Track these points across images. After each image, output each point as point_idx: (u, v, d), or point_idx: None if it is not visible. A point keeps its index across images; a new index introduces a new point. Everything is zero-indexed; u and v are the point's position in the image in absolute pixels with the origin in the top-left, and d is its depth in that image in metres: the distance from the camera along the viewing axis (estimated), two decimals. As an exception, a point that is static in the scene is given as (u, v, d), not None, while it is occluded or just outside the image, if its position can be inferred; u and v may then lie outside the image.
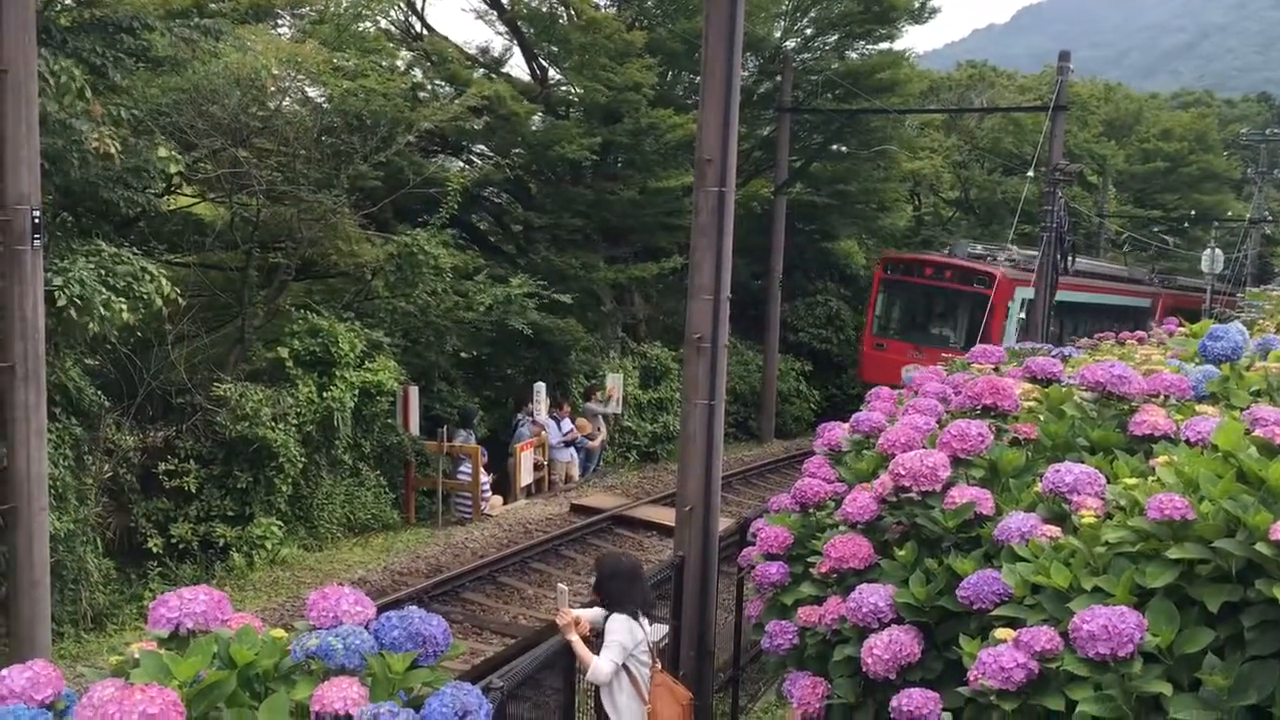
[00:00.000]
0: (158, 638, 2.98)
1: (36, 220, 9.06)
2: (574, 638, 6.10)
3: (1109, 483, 4.02)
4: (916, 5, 30.25)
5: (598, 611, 6.51)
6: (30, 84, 8.97)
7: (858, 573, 4.62)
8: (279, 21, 19.95)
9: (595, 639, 6.40)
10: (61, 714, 2.79)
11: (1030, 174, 24.80)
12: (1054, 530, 3.89)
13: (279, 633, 3.03)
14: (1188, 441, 4.12)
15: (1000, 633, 3.57)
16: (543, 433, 20.24)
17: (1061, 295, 26.70)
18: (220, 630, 2.99)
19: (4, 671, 2.82)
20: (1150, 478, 3.87)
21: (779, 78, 27.94)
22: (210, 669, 2.82)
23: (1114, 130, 48.03)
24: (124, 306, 11.03)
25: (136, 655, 2.87)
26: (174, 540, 14.36)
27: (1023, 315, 26.29)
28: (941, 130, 41.70)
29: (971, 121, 41.33)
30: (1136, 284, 37.76)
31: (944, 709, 3.77)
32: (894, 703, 3.85)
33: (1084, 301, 32.41)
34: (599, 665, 6.07)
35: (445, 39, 24.80)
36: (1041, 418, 5.03)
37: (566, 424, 21.00)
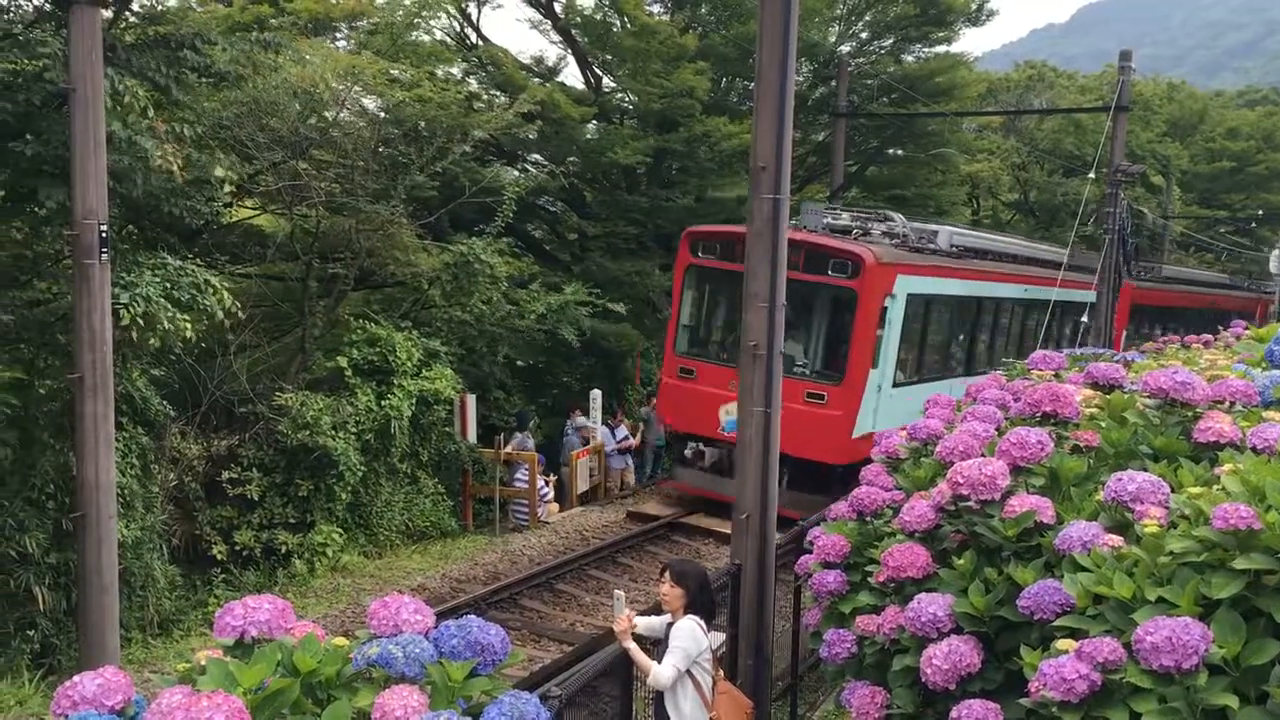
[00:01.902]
0: (223, 645, 3.03)
1: (104, 235, 9.27)
2: (631, 645, 6.11)
3: (1173, 491, 3.96)
4: (973, 7, 29.97)
5: (657, 619, 6.52)
6: (97, 102, 9.19)
7: (916, 582, 4.59)
8: (337, 35, 20.24)
9: (652, 647, 6.41)
10: (131, 720, 2.85)
11: (1091, 175, 22.78)
12: (1116, 540, 3.84)
13: (341, 641, 3.08)
14: (1254, 449, 4.05)
15: (1062, 643, 3.53)
16: (596, 439, 20.30)
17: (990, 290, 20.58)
18: (284, 638, 3.04)
19: (76, 678, 2.89)
20: (1215, 486, 3.80)
21: (834, 83, 27.80)
22: (274, 676, 2.87)
23: (1178, 130, 47.16)
24: (187, 323, 11.24)
25: (203, 663, 2.93)
26: (237, 547, 14.60)
27: (921, 323, 18.37)
28: (1000, 132, 41.21)
29: (1031, 123, 40.81)
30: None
31: (1004, 720, 3.73)
32: (954, 713, 3.82)
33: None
34: (660, 671, 6.08)
35: (500, 48, 25.01)
36: (1103, 425, 4.96)
37: (621, 431, 21.04)
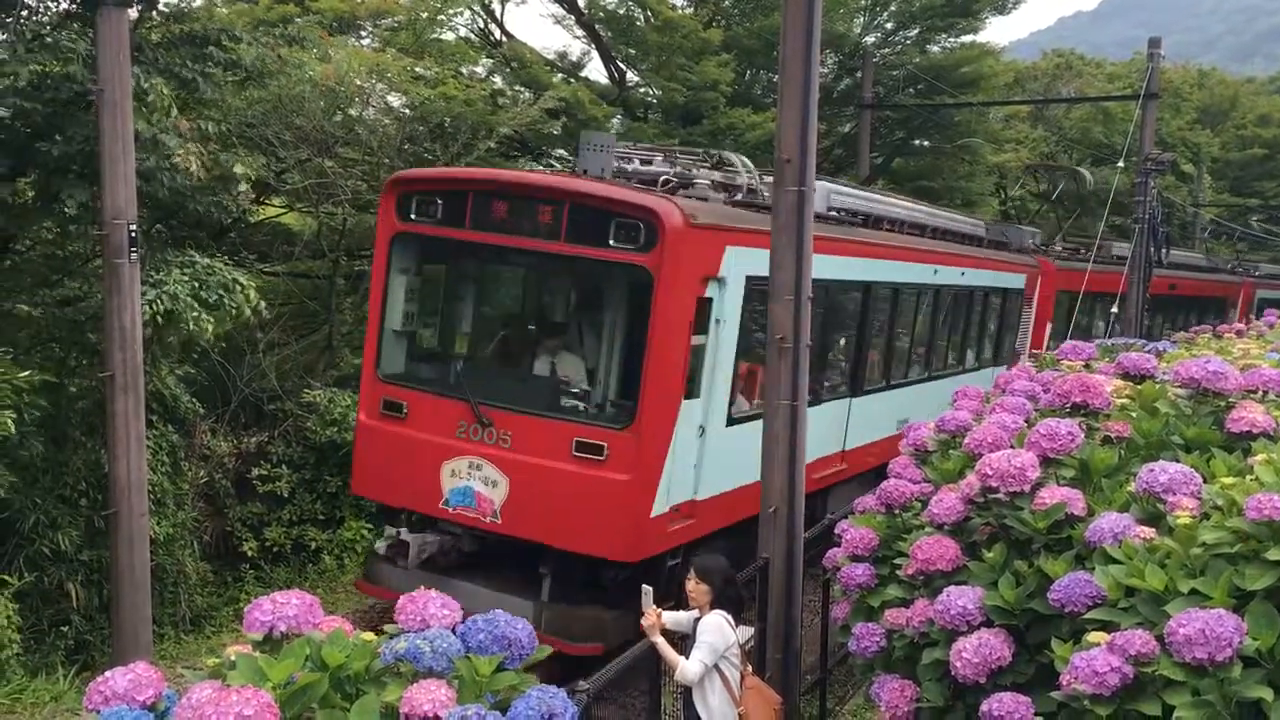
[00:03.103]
0: (253, 640, 3.06)
1: (133, 235, 9.35)
2: (659, 639, 6.11)
3: (1205, 482, 3.92)
4: (1000, -5, 29.72)
5: (685, 614, 6.52)
6: (125, 104, 9.25)
7: (945, 575, 4.57)
8: (362, 33, 20.32)
9: (679, 642, 6.41)
10: (162, 715, 2.87)
11: (1120, 164, 22.19)
12: (1148, 531, 3.81)
13: (369, 636, 3.09)
14: (1288, 439, 4.00)
15: (1093, 636, 3.50)
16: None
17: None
18: (313, 633, 3.06)
19: (108, 674, 2.92)
20: (1249, 476, 3.76)
21: (859, 74, 27.65)
22: (303, 671, 2.89)
23: (1208, 117, 46.60)
24: (210, 322, 11.32)
25: (233, 658, 2.95)
26: (268, 544, 14.69)
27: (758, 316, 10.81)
28: (1028, 121, 40.88)
29: (1059, 112, 40.45)
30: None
31: (1035, 714, 3.70)
32: (984, 707, 3.79)
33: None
34: (687, 666, 6.08)
35: (524, 44, 25.03)
36: (1134, 415, 4.92)
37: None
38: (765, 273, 9.48)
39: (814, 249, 10.67)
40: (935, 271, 15.43)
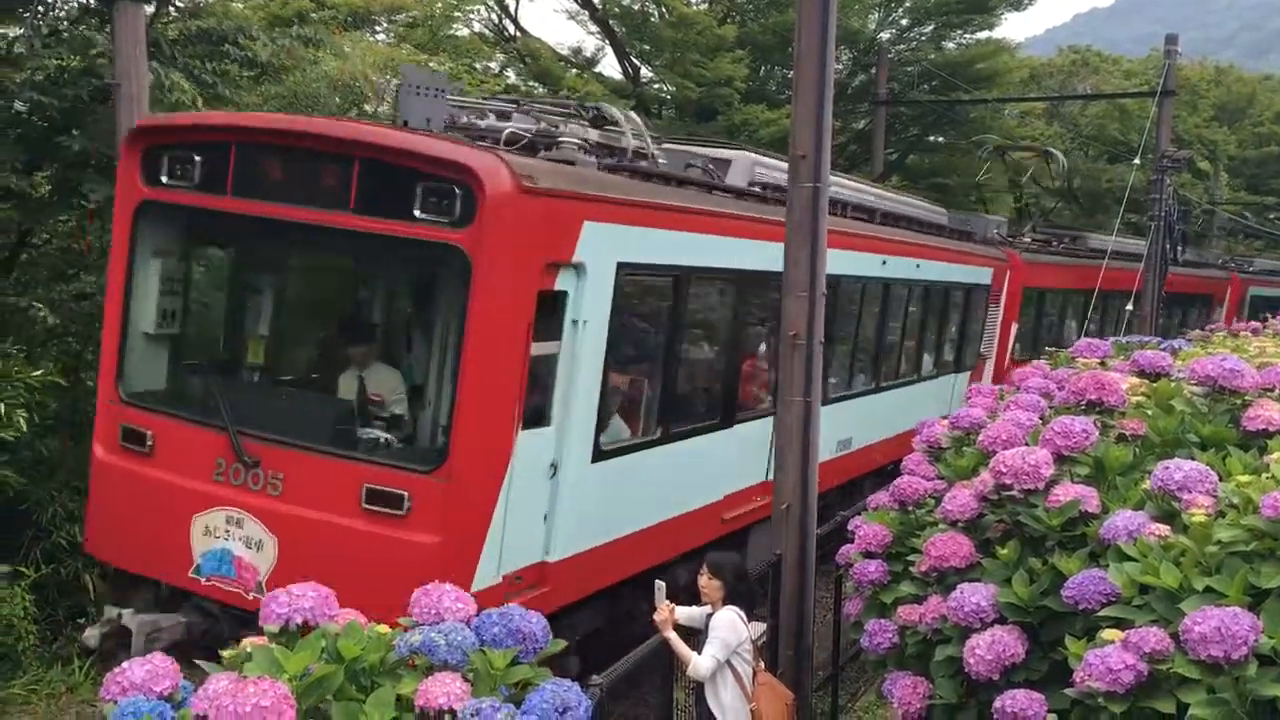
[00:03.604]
0: (269, 632, 3.08)
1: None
2: (672, 635, 6.13)
3: (1221, 480, 3.91)
4: (1016, -9, 29.64)
5: (698, 610, 6.53)
6: (142, 98, 9.31)
7: (959, 571, 4.57)
8: (377, 28, 20.37)
9: (692, 637, 6.42)
10: (179, 705, 2.89)
11: (1137, 162, 20.86)
12: (1163, 529, 3.80)
13: (384, 628, 3.11)
14: (1305, 437, 3.99)
15: (1108, 633, 3.50)
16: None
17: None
18: (328, 625, 3.08)
19: (124, 665, 2.95)
20: (1264, 474, 3.76)
21: (873, 70, 27.61)
22: (318, 663, 2.91)
23: (1225, 114, 46.35)
24: None
25: (249, 649, 2.97)
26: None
27: (668, 324, 9.17)
28: (1043, 118, 40.74)
29: (1075, 109, 40.30)
30: None
31: (1049, 711, 3.70)
32: (998, 704, 3.79)
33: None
34: (699, 661, 6.09)
35: (538, 40, 25.07)
36: (1149, 413, 4.91)
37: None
38: (650, 259, 8.28)
39: (728, 230, 9.23)
40: (884, 263, 12.79)
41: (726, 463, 9.74)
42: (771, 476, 9.80)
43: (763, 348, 11.02)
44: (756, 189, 10.53)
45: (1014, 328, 18.87)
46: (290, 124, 7.85)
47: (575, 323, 7.52)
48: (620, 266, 7.91)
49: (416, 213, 6.84)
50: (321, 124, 7.97)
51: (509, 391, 7.00)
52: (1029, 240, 20.97)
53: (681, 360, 9.34)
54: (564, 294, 7.45)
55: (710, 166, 10.35)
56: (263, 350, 8.37)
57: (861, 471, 13.42)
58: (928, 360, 15.89)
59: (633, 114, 9.94)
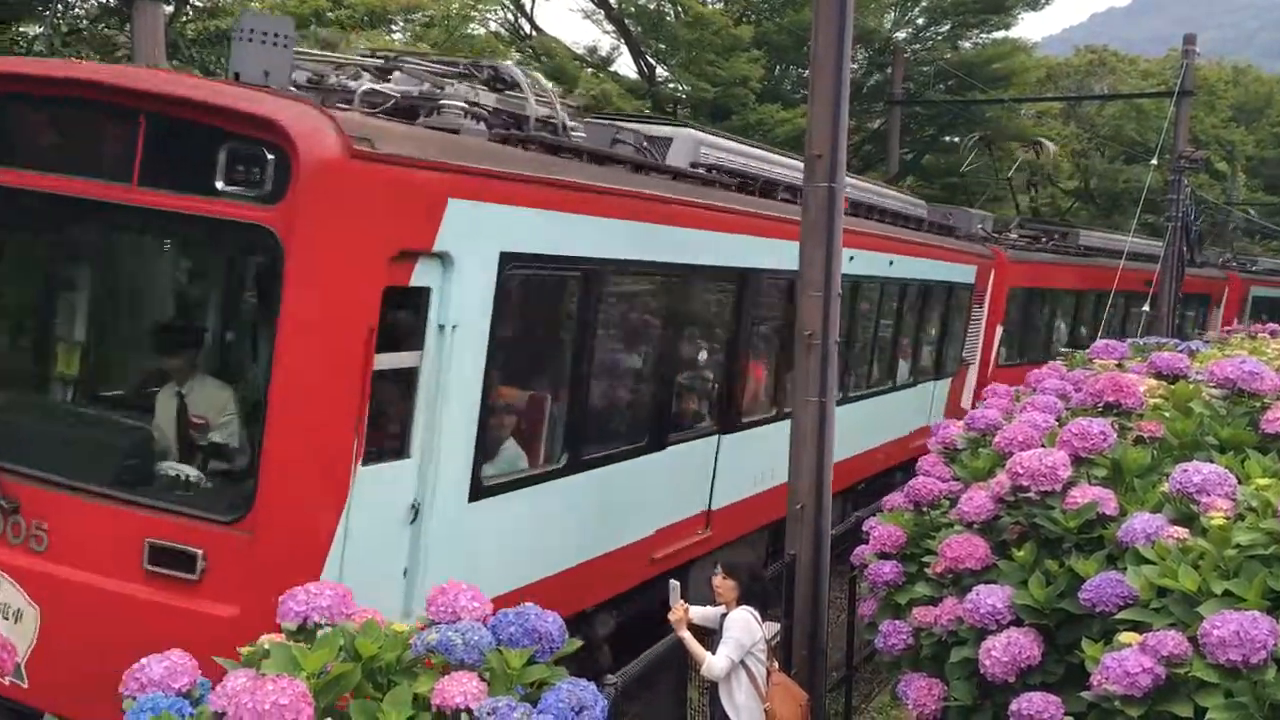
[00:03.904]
0: (286, 630, 3.09)
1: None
2: (686, 634, 6.12)
3: (1240, 483, 3.89)
4: (1032, -9, 29.56)
5: (712, 609, 6.53)
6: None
7: (974, 573, 4.56)
8: (393, 27, 20.43)
9: (705, 637, 6.42)
10: (197, 702, 2.91)
11: (1154, 162, 20.50)
12: (1181, 532, 3.78)
13: (401, 627, 3.12)
14: (1325, 440, 3.97)
15: (1125, 636, 3.49)
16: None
17: None
18: (345, 623, 3.08)
19: (143, 661, 2.96)
20: (1284, 478, 3.74)
21: (889, 70, 27.55)
22: (336, 661, 2.92)
23: (1243, 114, 46.11)
24: None
25: (267, 647, 2.98)
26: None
27: (575, 325, 7.54)
28: (1059, 118, 40.60)
29: (1091, 109, 40.14)
30: None
31: (1065, 714, 3.69)
32: (1014, 706, 3.78)
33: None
34: (714, 661, 6.09)
35: (553, 39, 25.10)
36: (1167, 415, 4.89)
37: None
38: (549, 249, 6.73)
39: (660, 218, 7.70)
40: (851, 258, 9.83)
41: (658, 493, 8.33)
42: (715, 505, 9.21)
43: (703, 355, 9.44)
44: (700, 171, 9.01)
45: (999, 331, 17.54)
46: (59, 70, 6.14)
47: (443, 328, 5.96)
48: (506, 258, 6.35)
49: (219, 184, 5.30)
50: (94, 70, 6.40)
51: (341, 416, 5.41)
52: (1016, 237, 19.66)
53: (596, 373, 7.72)
54: (425, 291, 5.87)
55: (645, 145, 8.75)
56: (33, 361, 6.65)
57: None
58: (903, 367, 14.45)
59: (539, 76, 8.29)
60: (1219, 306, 28.27)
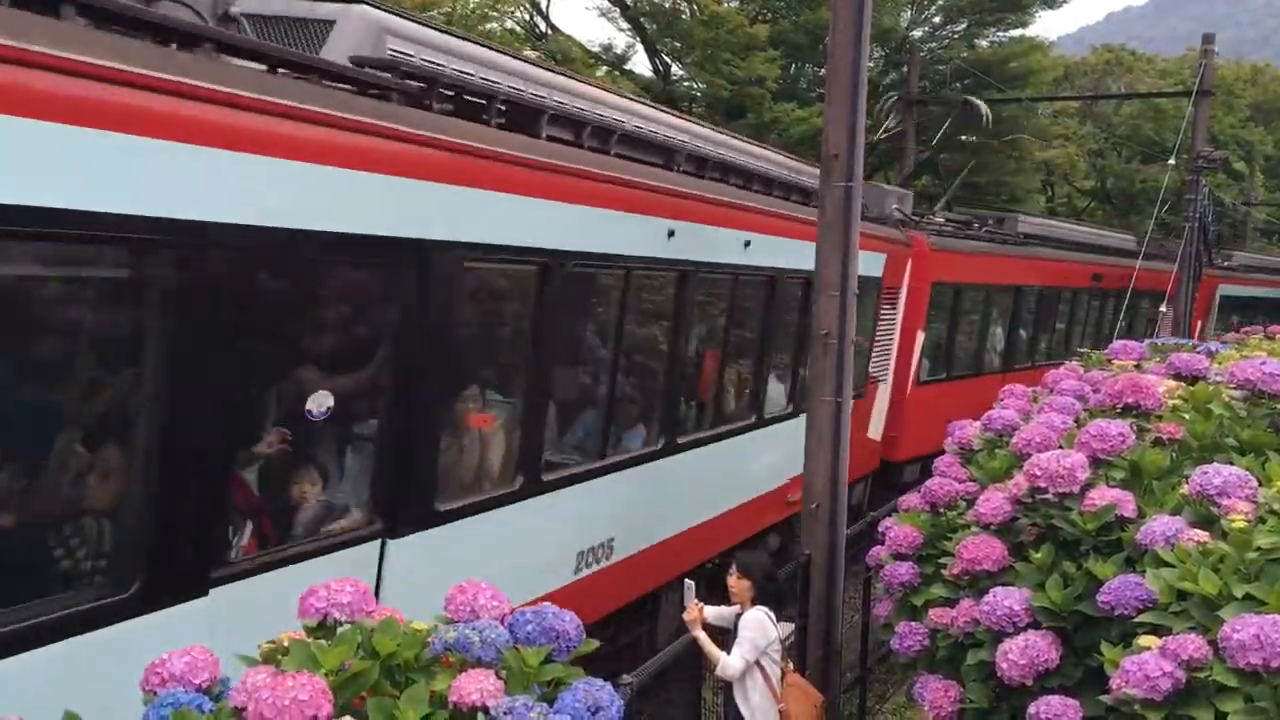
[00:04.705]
0: (306, 626, 3.09)
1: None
2: (700, 634, 6.13)
3: (1261, 485, 3.87)
4: (1050, -10, 29.46)
5: (727, 609, 6.53)
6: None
7: (991, 575, 4.54)
8: (409, 25, 20.49)
9: (720, 637, 6.42)
10: (217, 698, 2.92)
11: (1171, 162, 20.14)
12: (1201, 535, 3.76)
13: (419, 625, 3.12)
14: (1347, 443, 3.94)
15: (1145, 640, 3.47)
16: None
17: None
18: (364, 621, 3.09)
19: (164, 656, 2.97)
20: (1306, 481, 3.71)
21: (904, 68, 27.48)
22: (354, 658, 2.92)
23: (1261, 114, 45.90)
24: None
25: (286, 643, 2.99)
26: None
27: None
28: (1076, 118, 40.47)
29: (1108, 109, 39.99)
30: None
31: (1083, 718, 3.68)
32: (1031, 709, 3.77)
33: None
34: (729, 661, 6.09)
35: (569, 37, 25.11)
36: (1187, 417, 4.86)
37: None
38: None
39: (409, 170, 5.30)
40: (672, 234, 7.93)
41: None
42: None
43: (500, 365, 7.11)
44: (374, 74, 5.71)
45: (920, 338, 14.32)
46: None
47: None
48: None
49: None
50: None
51: None
52: (942, 221, 16.19)
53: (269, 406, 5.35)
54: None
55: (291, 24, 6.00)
56: None
57: (638, 594, 8.41)
58: (774, 393, 10.65)
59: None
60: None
